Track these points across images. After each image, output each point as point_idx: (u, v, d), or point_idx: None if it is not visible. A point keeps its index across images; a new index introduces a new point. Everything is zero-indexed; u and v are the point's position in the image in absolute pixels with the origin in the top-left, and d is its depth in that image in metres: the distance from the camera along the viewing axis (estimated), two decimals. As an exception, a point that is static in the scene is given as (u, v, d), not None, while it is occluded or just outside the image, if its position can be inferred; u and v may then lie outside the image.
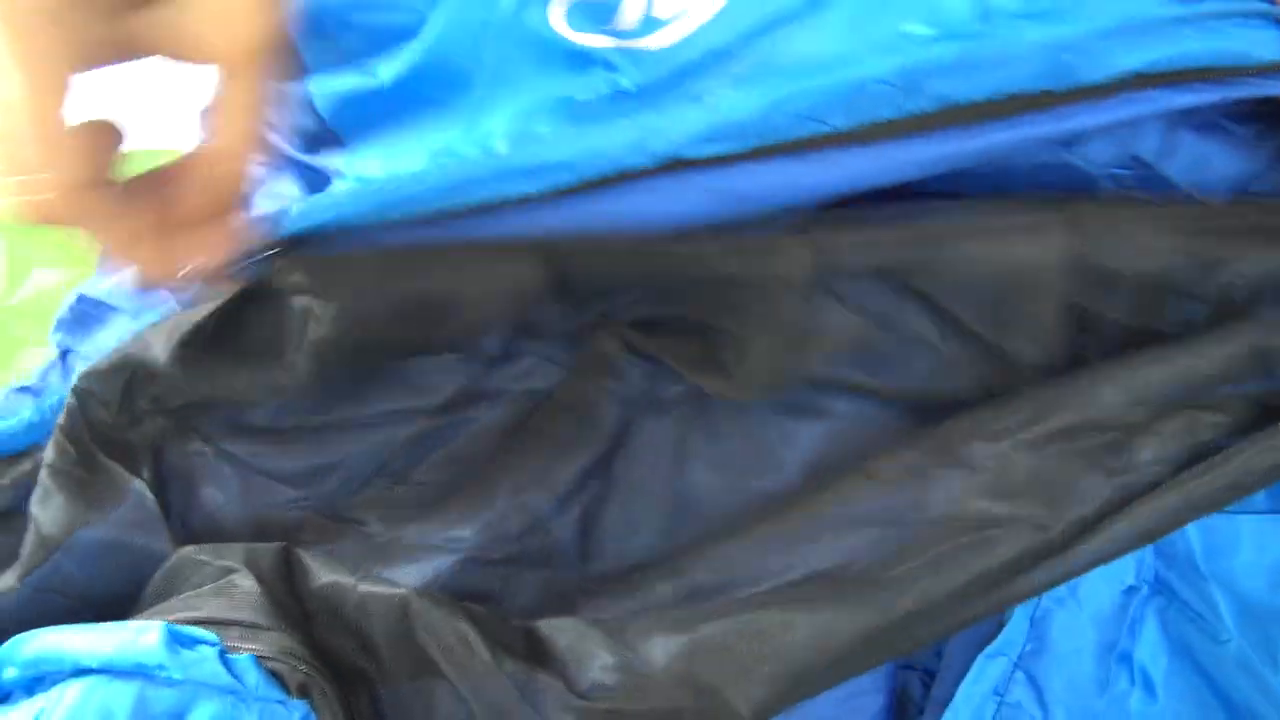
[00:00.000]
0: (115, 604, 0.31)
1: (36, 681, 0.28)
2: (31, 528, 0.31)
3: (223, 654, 0.27)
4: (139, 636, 0.27)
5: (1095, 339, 0.29)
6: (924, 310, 0.29)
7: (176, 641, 0.27)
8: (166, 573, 0.30)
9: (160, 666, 0.26)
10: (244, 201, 0.26)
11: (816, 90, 0.25)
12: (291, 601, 0.29)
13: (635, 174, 0.25)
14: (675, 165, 0.25)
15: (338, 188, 0.32)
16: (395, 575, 0.32)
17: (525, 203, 0.27)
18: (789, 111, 0.25)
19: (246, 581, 0.29)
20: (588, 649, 0.27)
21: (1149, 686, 0.28)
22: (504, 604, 0.31)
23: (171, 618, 0.27)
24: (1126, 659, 0.28)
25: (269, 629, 0.27)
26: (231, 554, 0.30)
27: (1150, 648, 0.28)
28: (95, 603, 0.31)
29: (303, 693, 0.27)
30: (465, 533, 0.32)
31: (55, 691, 0.27)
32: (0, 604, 0.30)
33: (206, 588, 0.29)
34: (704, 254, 0.28)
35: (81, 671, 0.27)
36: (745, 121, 0.25)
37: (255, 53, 0.24)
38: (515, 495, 0.33)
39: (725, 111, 0.25)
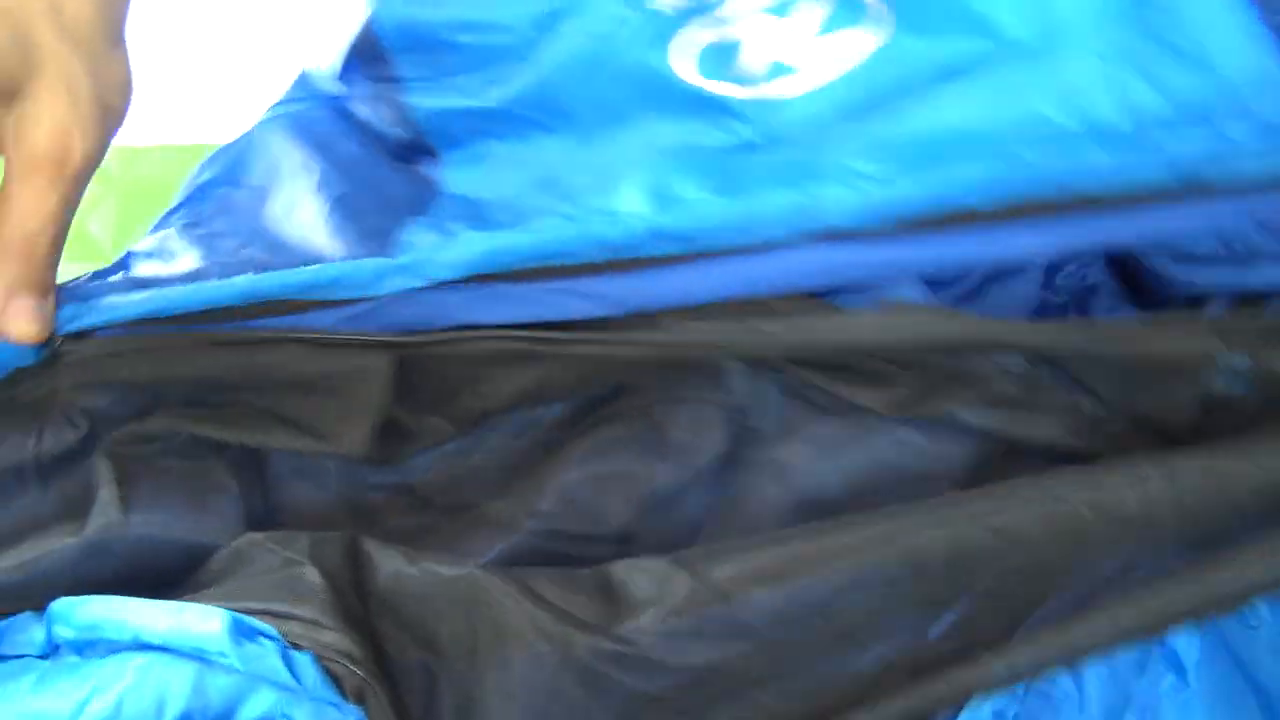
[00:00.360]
0: (170, 576, 0.31)
1: (89, 645, 0.28)
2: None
3: (284, 650, 0.26)
4: (203, 621, 0.26)
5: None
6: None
7: (240, 632, 0.26)
8: (230, 556, 0.30)
9: (221, 654, 0.26)
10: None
11: (962, 176, 0.25)
12: (353, 595, 0.29)
13: (780, 244, 0.25)
14: (824, 237, 0.25)
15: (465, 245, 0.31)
16: (471, 550, 0.32)
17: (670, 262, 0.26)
18: (933, 196, 0.25)
19: (312, 576, 0.28)
20: (670, 590, 0.27)
21: (1180, 671, 0.28)
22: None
23: (235, 606, 0.27)
24: (1160, 642, 0.28)
25: (330, 628, 0.27)
26: (296, 544, 0.30)
27: (1183, 632, 0.28)
28: (150, 571, 0.31)
29: (358, 698, 0.27)
30: (543, 507, 0.32)
31: (111, 664, 0.27)
32: (57, 559, 0.30)
33: (271, 577, 0.29)
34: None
35: (140, 646, 0.27)
36: (893, 201, 0.25)
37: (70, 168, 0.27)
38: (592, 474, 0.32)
39: (874, 195, 0.25)
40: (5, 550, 0.30)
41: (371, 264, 0.30)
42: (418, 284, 0.30)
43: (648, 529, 0.32)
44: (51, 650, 0.29)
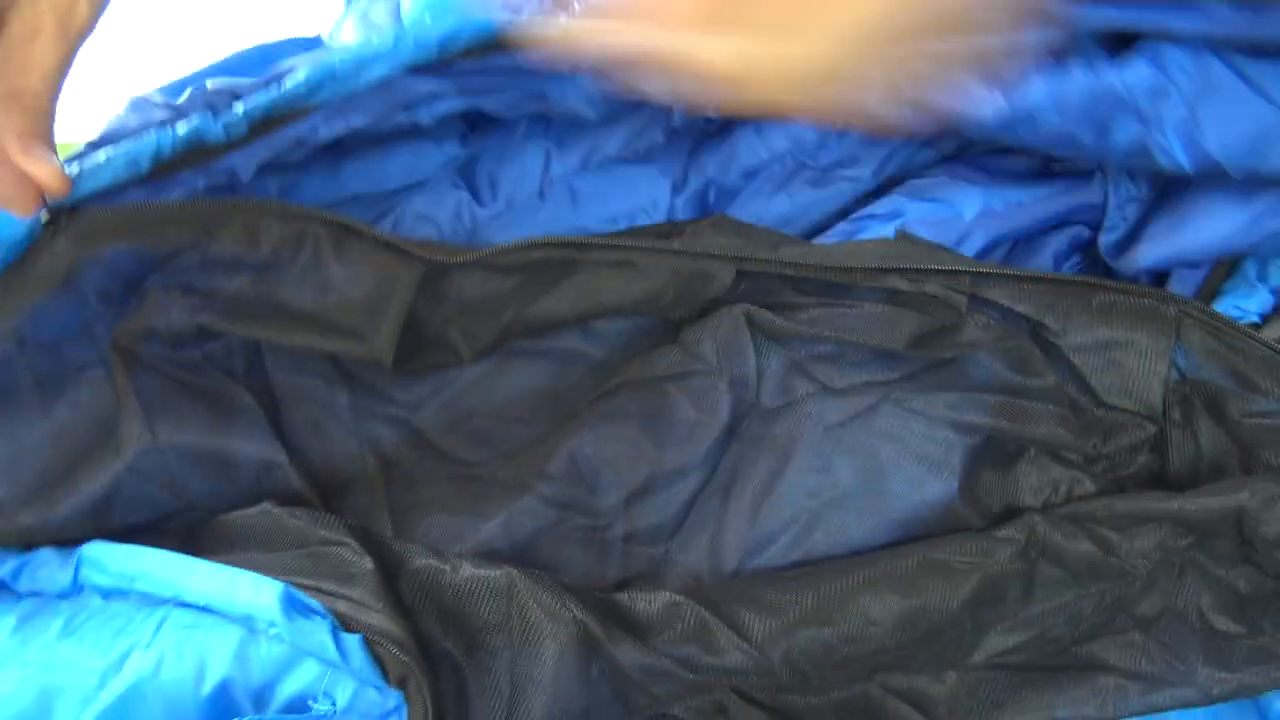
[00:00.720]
0: (198, 510, 0.30)
1: (120, 594, 0.27)
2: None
3: (334, 629, 0.26)
4: (256, 590, 0.26)
5: None
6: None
7: (292, 605, 0.26)
8: (261, 520, 0.29)
9: (271, 624, 0.26)
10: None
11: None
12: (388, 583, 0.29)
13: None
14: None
15: None
16: (481, 512, 0.32)
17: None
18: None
19: (359, 558, 0.28)
20: (674, 618, 0.29)
21: None
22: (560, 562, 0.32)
23: (287, 580, 0.26)
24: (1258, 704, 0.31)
25: (379, 611, 0.27)
26: (330, 523, 0.29)
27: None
28: (184, 501, 0.30)
29: (400, 683, 0.26)
30: (552, 472, 0.33)
31: (150, 620, 0.26)
32: (103, 485, 0.29)
33: (312, 554, 0.28)
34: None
35: (181, 605, 0.26)
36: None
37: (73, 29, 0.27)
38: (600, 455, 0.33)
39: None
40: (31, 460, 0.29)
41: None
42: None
43: (648, 501, 0.33)
44: (74, 591, 0.28)
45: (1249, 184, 0.31)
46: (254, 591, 0.26)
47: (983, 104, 0.31)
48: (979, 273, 0.31)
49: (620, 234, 0.36)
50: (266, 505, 0.29)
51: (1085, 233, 0.36)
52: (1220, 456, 0.30)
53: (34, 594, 0.28)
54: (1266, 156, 0.29)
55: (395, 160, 0.36)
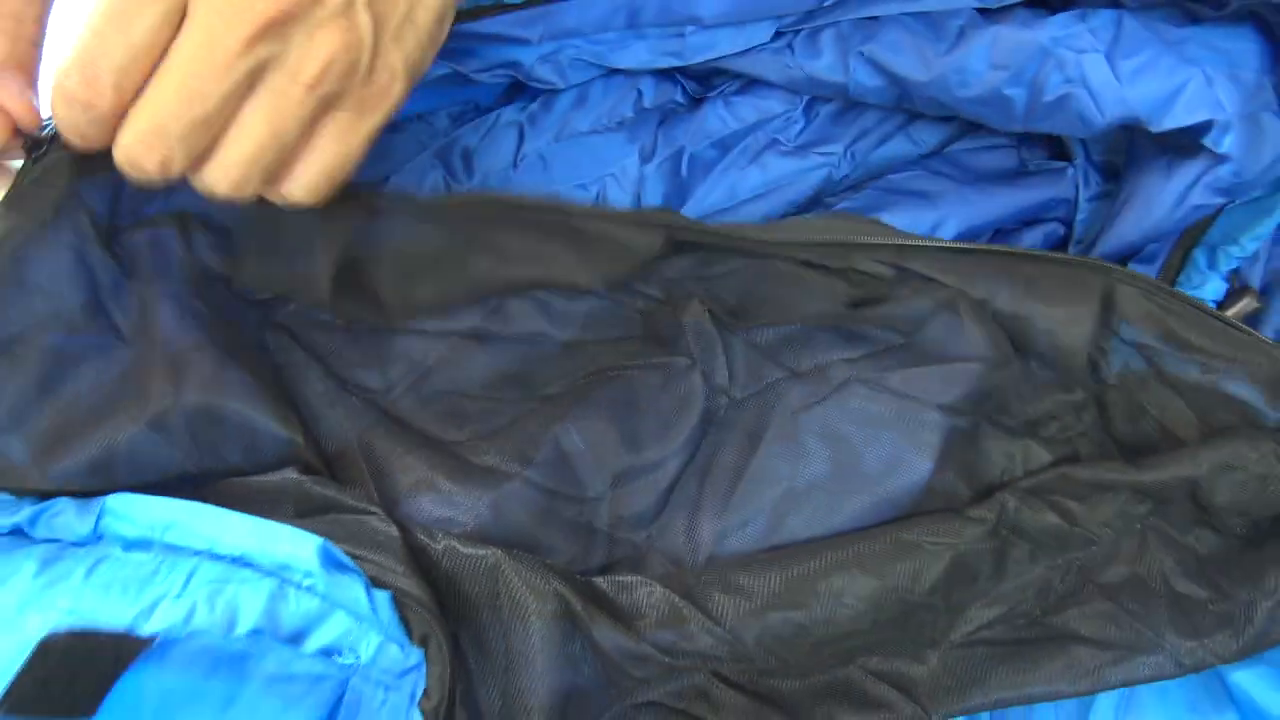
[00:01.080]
0: (211, 475, 0.31)
1: (142, 544, 0.27)
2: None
3: (367, 585, 0.27)
4: (294, 543, 0.27)
5: None
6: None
7: (330, 560, 0.27)
8: (287, 487, 0.30)
9: (307, 574, 0.27)
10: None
11: None
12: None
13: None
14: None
15: None
16: (465, 493, 0.33)
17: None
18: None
19: (386, 526, 0.29)
20: (647, 604, 0.30)
21: (1255, 712, 0.32)
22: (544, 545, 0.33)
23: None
24: (1219, 675, 0.32)
25: (403, 574, 0.28)
26: (355, 495, 0.30)
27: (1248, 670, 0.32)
28: (196, 463, 0.30)
29: (422, 642, 0.27)
30: (535, 459, 0.33)
31: (180, 569, 0.27)
32: (126, 438, 0.29)
33: (338, 520, 0.29)
34: None
35: (213, 556, 0.27)
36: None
37: None
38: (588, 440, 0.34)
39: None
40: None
41: None
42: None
43: (630, 488, 0.34)
44: (93, 540, 0.28)
45: (1169, 157, 0.35)
46: (293, 544, 0.27)
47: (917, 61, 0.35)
48: (902, 245, 0.33)
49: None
50: (290, 471, 0.30)
51: (1060, 230, 0.40)
52: (1169, 418, 0.32)
53: (50, 540, 0.28)
54: (1179, 109, 0.33)
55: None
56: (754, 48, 0.40)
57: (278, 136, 0.27)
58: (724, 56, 0.40)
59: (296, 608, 0.27)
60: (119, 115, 0.26)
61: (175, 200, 0.32)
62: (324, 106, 0.27)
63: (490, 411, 0.35)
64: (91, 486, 0.29)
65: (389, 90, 0.28)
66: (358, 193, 0.32)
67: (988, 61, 0.35)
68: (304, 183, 0.29)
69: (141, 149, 0.26)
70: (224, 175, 0.27)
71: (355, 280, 0.34)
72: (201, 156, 0.27)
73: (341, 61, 0.26)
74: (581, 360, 0.36)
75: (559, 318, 0.36)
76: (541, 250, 0.34)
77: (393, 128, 0.40)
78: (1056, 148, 0.43)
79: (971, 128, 0.42)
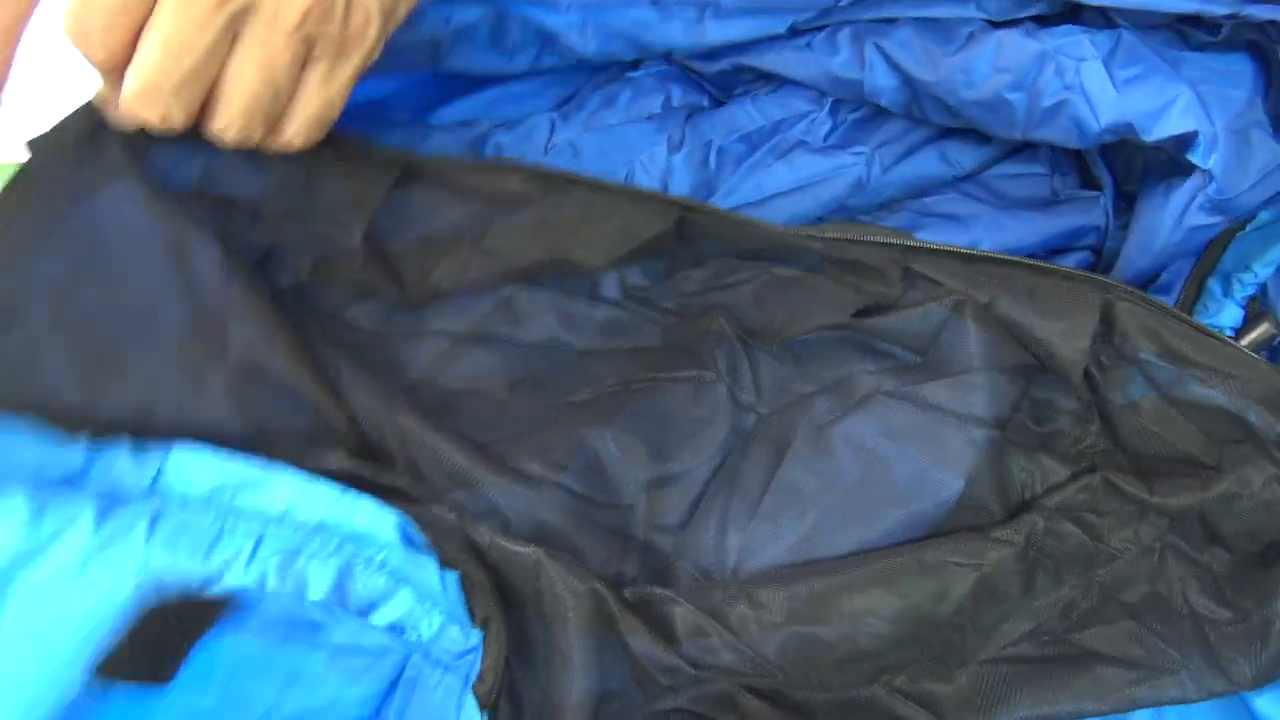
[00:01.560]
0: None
1: (203, 503, 0.26)
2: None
3: (440, 565, 0.27)
4: (373, 516, 0.26)
5: None
6: None
7: (408, 539, 0.26)
8: (342, 471, 0.29)
9: (384, 546, 0.26)
10: None
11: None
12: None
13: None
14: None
15: None
16: (500, 493, 0.32)
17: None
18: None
19: (445, 515, 0.29)
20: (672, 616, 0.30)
21: None
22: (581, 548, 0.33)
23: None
24: (1244, 701, 0.33)
25: (466, 561, 0.28)
26: (401, 479, 0.30)
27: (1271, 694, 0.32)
28: (245, 423, 0.29)
29: (483, 625, 0.27)
30: (572, 466, 0.33)
31: (250, 534, 0.26)
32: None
33: (407, 507, 0.28)
34: None
35: (281, 523, 0.26)
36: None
37: None
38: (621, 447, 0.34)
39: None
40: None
41: None
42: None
43: (662, 499, 0.34)
44: (149, 494, 0.27)
45: (1168, 180, 0.36)
46: (372, 518, 0.26)
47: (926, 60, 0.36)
48: (908, 246, 0.34)
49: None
50: (341, 454, 0.29)
51: (1091, 258, 0.42)
52: (1173, 433, 0.32)
53: (104, 493, 0.27)
54: (1171, 118, 0.35)
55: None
56: (773, 39, 0.41)
57: (270, 83, 0.28)
58: (744, 45, 0.41)
59: (363, 585, 0.26)
60: (118, 71, 0.27)
61: (211, 177, 0.31)
62: (307, 50, 0.29)
63: (512, 415, 0.34)
64: (136, 433, 0.28)
65: (365, 32, 0.29)
66: (390, 154, 0.33)
67: (992, 64, 0.37)
68: (297, 127, 0.30)
69: (141, 105, 0.27)
70: (229, 124, 0.29)
71: (380, 255, 0.33)
72: (203, 109, 0.29)
73: (319, 5, 0.28)
74: (604, 369, 0.35)
75: (575, 326, 0.36)
76: (555, 220, 0.34)
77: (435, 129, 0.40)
78: (1087, 176, 0.45)
79: (1006, 153, 0.44)
